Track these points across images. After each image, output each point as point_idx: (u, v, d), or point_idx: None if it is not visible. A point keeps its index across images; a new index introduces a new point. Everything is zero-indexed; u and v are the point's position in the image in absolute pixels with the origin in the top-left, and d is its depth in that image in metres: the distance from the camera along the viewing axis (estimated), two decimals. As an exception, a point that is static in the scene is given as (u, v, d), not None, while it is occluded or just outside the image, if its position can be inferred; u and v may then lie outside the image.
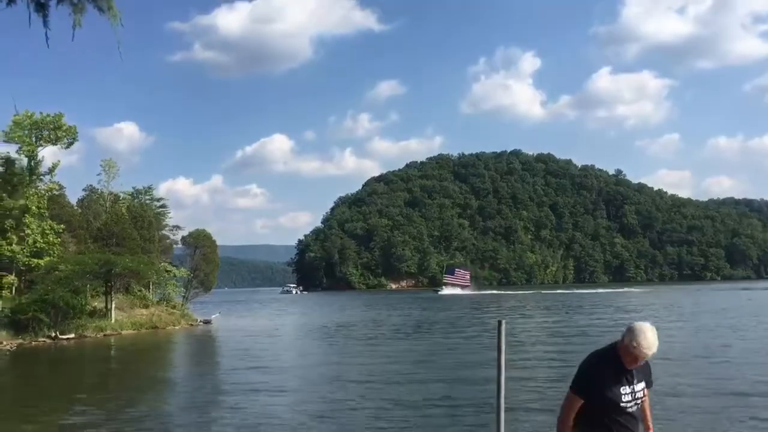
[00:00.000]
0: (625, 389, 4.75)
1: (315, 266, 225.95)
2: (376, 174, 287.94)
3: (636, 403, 4.82)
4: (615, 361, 4.70)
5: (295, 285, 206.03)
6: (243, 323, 54.09)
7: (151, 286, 53.56)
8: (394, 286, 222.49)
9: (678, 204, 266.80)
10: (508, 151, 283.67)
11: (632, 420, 4.81)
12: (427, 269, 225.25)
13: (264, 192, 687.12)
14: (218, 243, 60.59)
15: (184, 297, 55.99)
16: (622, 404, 4.74)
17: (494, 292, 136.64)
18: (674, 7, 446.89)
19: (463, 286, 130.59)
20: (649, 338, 4.61)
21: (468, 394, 17.05)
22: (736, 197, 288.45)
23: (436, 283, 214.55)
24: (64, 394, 19.96)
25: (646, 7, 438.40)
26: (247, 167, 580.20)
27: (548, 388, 17.42)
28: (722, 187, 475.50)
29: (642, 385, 4.83)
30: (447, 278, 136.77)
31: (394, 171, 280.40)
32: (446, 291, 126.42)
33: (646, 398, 4.95)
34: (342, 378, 20.54)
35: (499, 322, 5.14)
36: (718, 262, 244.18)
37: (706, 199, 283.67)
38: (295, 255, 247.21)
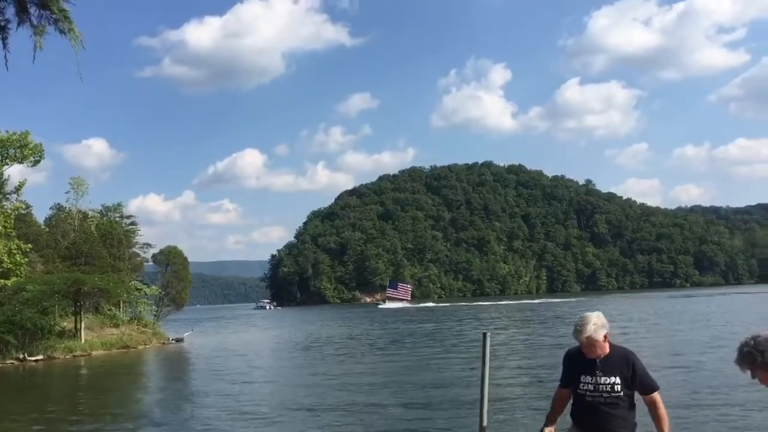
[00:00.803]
0: (585, 378, 4.95)
1: (289, 281, 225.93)
2: (350, 187, 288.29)
3: (603, 396, 4.88)
4: (580, 352, 5.03)
5: (269, 300, 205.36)
6: (215, 340, 54.09)
7: (121, 305, 53.15)
8: (368, 300, 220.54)
9: (647, 212, 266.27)
10: (480, 162, 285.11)
11: (599, 413, 4.86)
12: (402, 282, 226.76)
13: (236, 207, 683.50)
14: (190, 260, 60.57)
15: (155, 315, 55.81)
16: (579, 392, 4.97)
17: (464, 303, 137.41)
18: (640, 18, 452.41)
19: (404, 300, 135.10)
20: (583, 319, 4.89)
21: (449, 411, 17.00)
22: (704, 205, 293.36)
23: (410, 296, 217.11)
24: (29, 417, 19.69)
25: (612, 19, 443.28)
26: (219, 182, 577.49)
27: (532, 398, 17.87)
28: (690, 195, 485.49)
29: (613, 379, 4.87)
30: (390, 292, 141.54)
31: (366, 184, 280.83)
32: (388, 305, 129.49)
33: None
34: (315, 400, 20.32)
35: (484, 335, 5.29)
36: (687, 269, 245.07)
37: (675, 207, 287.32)
38: (269, 270, 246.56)
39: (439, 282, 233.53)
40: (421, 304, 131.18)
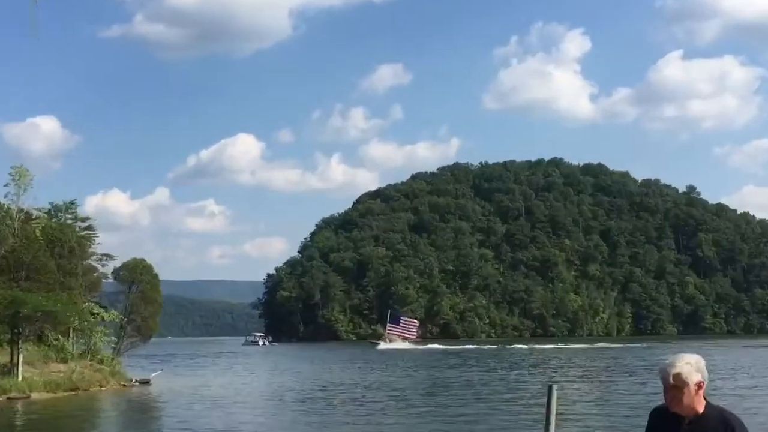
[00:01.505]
0: None
1: (289, 309, 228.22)
2: (373, 188, 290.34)
3: None
4: (666, 409, 5.05)
5: (262, 334, 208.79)
6: (191, 384, 54.87)
7: (71, 334, 53.98)
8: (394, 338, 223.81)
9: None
10: (546, 160, 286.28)
11: None
12: (438, 314, 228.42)
13: (224, 210, 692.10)
14: (162, 277, 62.77)
15: (115, 348, 57.19)
16: None
17: (521, 345, 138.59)
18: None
19: (408, 339, 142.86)
20: (675, 356, 4.92)
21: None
22: None
23: (450, 333, 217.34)
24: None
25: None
26: (203, 177, 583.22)
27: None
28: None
29: None
30: (390, 328, 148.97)
31: (395, 185, 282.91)
32: (386, 345, 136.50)
33: None
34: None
35: (550, 388, 5.67)
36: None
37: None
38: (263, 294, 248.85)
39: (487, 316, 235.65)
40: (430, 345, 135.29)
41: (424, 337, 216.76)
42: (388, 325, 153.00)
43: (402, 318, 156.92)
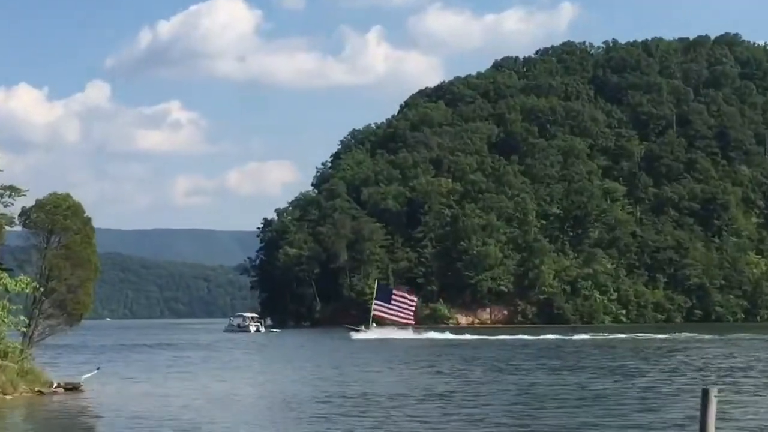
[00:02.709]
0: None
1: (298, 276, 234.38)
2: (432, 82, 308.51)
3: None
4: None
5: (254, 315, 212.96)
6: (143, 391, 57.85)
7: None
8: (464, 321, 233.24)
9: None
10: (712, 38, 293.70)
11: None
12: (536, 286, 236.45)
13: (196, 119, 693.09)
14: (99, 225, 67.06)
15: (25, 335, 57.94)
16: None
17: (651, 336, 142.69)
18: None
19: (403, 322, 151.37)
20: None
21: None
22: None
23: (552, 316, 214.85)
24: None
25: None
26: (162, 66, 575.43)
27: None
28: None
29: None
30: (378, 306, 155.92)
31: (468, 77, 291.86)
32: (369, 333, 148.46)
33: None
34: None
35: (706, 392, 7.73)
36: None
37: None
38: (258, 252, 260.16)
39: (615, 289, 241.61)
40: (432, 334, 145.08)
41: (510, 322, 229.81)
42: (375, 302, 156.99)
43: (394, 293, 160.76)
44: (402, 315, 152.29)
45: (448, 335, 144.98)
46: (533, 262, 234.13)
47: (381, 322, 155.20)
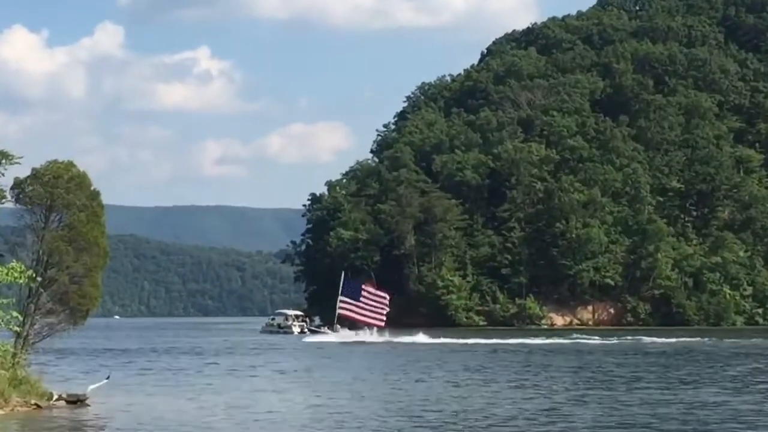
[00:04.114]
0: None
1: (353, 265, 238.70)
2: (521, 23, 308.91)
3: None
4: None
5: (298, 313, 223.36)
6: (161, 408, 58.47)
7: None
8: (560, 321, 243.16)
9: None
10: None
11: None
12: (650, 277, 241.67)
13: (229, 69, 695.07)
14: (109, 201, 68.50)
15: (18, 336, 58.77)
16: None
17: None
18: None
19: (373, 324, 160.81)
20: None
21: None
22: None
23: (669, 315, 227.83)
24: None
25: None
26: (186, 4, 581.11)
27: None
28: None
29: None
30: (344, 304, 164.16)
31: (566, 17, 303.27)
32: (325, 336, 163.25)
33: None
34: None
35: None
36: None
37: None
38: (303, 235, 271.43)
39: (749, 280, 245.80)
40: (395, 338, 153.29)
41: (617, 323, 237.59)
42: (340, 299, 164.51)
43: (364, 288, 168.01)
44: (372, 315, 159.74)
45: (420, 338, 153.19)
46: (647, 249, 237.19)
47: (343, 323, 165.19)
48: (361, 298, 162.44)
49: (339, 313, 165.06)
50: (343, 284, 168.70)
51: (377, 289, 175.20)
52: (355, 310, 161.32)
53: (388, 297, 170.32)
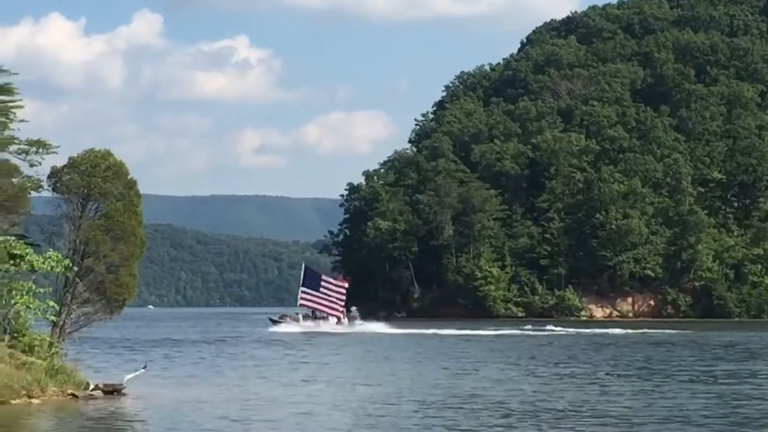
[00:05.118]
0: None
1: (391, 255, 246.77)
2: (562, 12, 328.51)
3: None
4: None
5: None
6: (203, 397, 59.34)
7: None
8: (599, 313, 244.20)
9: None
10: None
11: None
12: (690, 269, 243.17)
13: (267, 58, 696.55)
14: (146, 191, 69.34)
15: (55, 325, 59.60)
16: None
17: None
18: None
19: (330, 313, 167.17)
20: None
21: None
22: None
23: (710, 308, 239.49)
24: None
25: None
26: None
27: None
28: None
29: None
30: (305, 294, 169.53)
31: (606, 6, 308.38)
32: (292, 326, 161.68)
33: None
34: None
35: None
36: None
37: None
38: (341, 225, 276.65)
39: None
40: (362, 327, 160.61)
41: (657, 315, 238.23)
42: (302, 289, 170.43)
43: (324, 278, 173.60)
44: (329, 305, 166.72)
45: (379, 327, 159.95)
46: (688, 240, 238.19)
47: (304, 309, 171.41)
48: (321, 289, 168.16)
49: (299, 304, 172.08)
50: (304, 275, 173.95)
51: (340, 280, 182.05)
52: (315, 301, 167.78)
53: (345, 286, 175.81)
